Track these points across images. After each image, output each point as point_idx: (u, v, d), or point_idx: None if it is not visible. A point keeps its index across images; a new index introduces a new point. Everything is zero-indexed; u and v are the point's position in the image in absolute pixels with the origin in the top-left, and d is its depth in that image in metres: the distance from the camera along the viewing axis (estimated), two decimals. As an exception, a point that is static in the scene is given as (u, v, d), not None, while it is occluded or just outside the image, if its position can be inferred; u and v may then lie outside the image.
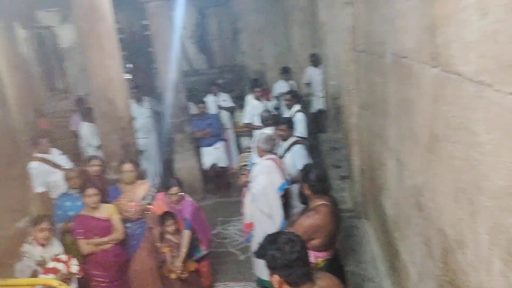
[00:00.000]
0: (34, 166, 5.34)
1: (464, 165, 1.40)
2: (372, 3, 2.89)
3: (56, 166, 5.41)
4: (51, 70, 12.67)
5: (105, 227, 4.08)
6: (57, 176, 5.09)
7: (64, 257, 3.66)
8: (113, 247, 4.14)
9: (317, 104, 8.55)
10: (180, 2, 7.97)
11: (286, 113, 6.15)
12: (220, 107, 7.71)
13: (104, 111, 4.50)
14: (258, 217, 4.20)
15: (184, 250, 4.18)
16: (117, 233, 4.15)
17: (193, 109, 7.58)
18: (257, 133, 6.90)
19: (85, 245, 4.02)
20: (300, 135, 5.58)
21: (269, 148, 4.13)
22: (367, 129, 3.67)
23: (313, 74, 8.60)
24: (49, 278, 3.35)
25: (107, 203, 4.31)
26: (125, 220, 4.38)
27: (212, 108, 7.66)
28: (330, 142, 6.57)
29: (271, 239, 1.97)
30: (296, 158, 4.46)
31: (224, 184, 7.44)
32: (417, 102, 1.94)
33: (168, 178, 4.31)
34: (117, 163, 4.54)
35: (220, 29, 14.52)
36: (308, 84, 8.79)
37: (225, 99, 7.96)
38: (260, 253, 1.97)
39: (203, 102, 7.18)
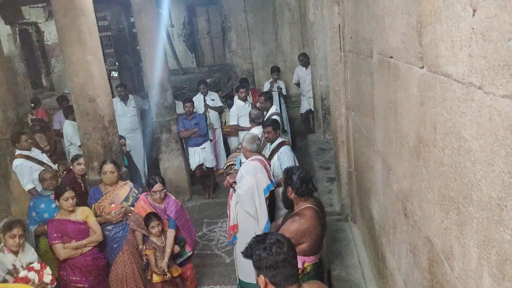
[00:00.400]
0: (19, 163, 5.29)
1: (452, 172, 1.30)
2: (359, 1, 2.80)
3: (40, 163, 5.36)
4: (36, 67, 12.43)
5: (83, 230, 3.95)
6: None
7: (37, 265, 3.49)
8: (91, 250, 4.01)
9: (306, 104, 8.49)
10: (167, -1, 7.85)
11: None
12: (208, 106, 7.59)
13: (84, 109, 4.35)
14: (243, 219, 4.13)
15: (168, 250, 4.07)
16: (96, 235, 4.01)
17: (180, 108, 7.45)
18: (243, 133, 6.85)
19: (63, 250, 3.88)
20: None
21: (254, 148, 4.07)
22: (354, 131, 3.59)
23: (302, 74, 8.54)
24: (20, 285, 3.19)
25: (86, 204, 4.18)
26: (106, 223, 4.25)
27: (200, 108, 7.54)
28: (319, 143, 6.50)
29: (259, 239, 1.99)
30: (283, 159, 4.37)
31: (211, 185, 7.32)
32: (404, 104, 1.85)
33: (151, 176, 4.19)
34: (98, 163, 4.40)
35: (210, 28, 14.42)
36: (297, 84, 8.73)
37: (213, 99, 7.84)
38: (247, 253, 1.99)
39: (190, 101, 7.06)
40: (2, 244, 3.53)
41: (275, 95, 7.73)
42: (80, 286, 3.97)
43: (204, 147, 7.07)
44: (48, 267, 3.54)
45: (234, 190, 4.08)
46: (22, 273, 3.35)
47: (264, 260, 1.90)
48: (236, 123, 6.90)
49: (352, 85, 3.52)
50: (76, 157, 5.05)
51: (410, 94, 1.71)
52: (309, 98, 8.42)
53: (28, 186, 5.18)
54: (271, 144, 4.59)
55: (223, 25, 11.42)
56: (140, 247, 4.15)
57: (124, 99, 7.40)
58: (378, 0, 2.17)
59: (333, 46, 3.81)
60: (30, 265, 3.47)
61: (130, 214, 4.32)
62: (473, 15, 1.05)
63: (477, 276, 1.19)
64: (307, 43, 8.44)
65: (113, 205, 4.25)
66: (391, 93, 2.08)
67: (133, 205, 4.33)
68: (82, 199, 4.50)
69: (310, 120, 8.84)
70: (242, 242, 4.13)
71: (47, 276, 3.46)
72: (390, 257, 2.46)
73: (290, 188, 3.05)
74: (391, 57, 2.01)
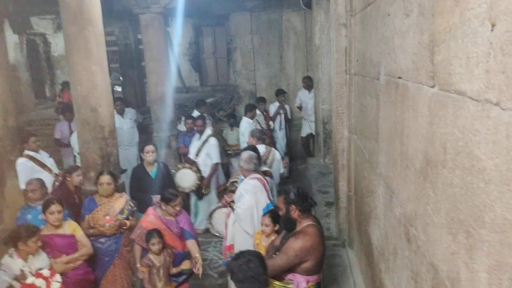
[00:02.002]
0: (21, 161, 5.39)
1: (462, 193, 1.25)
2: (368, 23, 2.81)
3: (43, 166, 5.43)
4: (41, 78, 12.48)
5: (71, 244, 3.84)
6: (43, 176, 4.95)
7: (46, 272, 3.38)
8: (82, 264, 3.90)
9: (308, 128, 8.48)
10: (174, 17, 7.93)
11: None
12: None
13: (85, 119, 4.32)
14: (240, 239, 4.04)
15: (198, 255, 4.05)
16: (86, 248, 3.91)
17: (181, 125, 7.44)
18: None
19: (55, 265, 3.77)
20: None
21: (252, 167, 4.01)
22: (356, 154, 3.55)
23: (304, 97, 8.57)
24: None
25: (80, 216, 4.10)
26: (99, 235, 4.15)
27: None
28: (318, 167, 6.45)
29: (237, 256, 2.33)
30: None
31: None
32: (411, 125, 1.81)
33: (167, 191, 4.14)
34: (95, 173, 4.33)
35: (215, 48, 14.58)
36: (299, 108, 8.74)
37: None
38: (227, 267, 2.35)
39: (191, 118, 7.04)
40: (12, 249, 3.44)
41: (279, 118, 7.75)
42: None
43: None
44: (58, 275, 3.43)
45: (232, 209, 4.00)
46: (29, 280, 3.23)
47: (235, 275, 2.24)
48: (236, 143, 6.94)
49: (356, 108, 3.50)
50: (75, 168, 5.00)
51: (419, 114, 1.67)
52: (310, 122, 8.43)
53: (23, 186, 5.15)
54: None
55: (228, 46, 11.53)
56: (138, 265, 4.04)
57: (121, 112, 7.39)
58: (388, 21, 2.17)
59: (339, 68, 3.81)
60: (39, 271, 3.36)
61: (125, 227, 4.23)
62: (492, 30, 1.03)
63: (487, 303, 1.13)
64: (311, 67, 8.49)
65: (107, 217, 4.16)
66: (397, 114, 2.05)
67: (127, 218, 4.24)
68: (76, 211, 4.42)
69: (310, 144, 8.82)
70: None
71: (56, 284, 3.34)
72: (389, 284, 2.38)
73: (293, 206, 2.97)
74: (400, 78, 1.99)
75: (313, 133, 8.36)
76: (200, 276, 3.99)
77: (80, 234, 3.96)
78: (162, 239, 3.98)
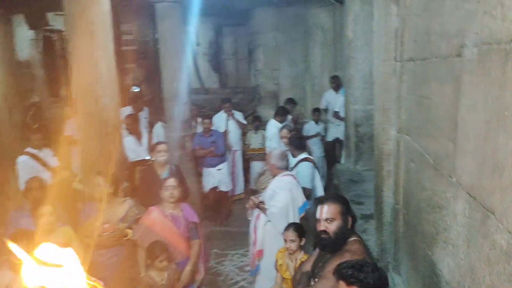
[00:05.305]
0: (21, 160, 5.01)
1: None
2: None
3: (45, 165, 5.04)
4: (57, 76, 12.14)
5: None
6: (45, 176, 4.53)
7: None
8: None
9: (334, 132, 7.81)
10: (193, 15, 7.46)
11: None
12: (232, 115, 7.02)
13: (88, 111, 3.78)
14: (272, 243, 3.62)
15: (194, 259, 3.60)
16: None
17: (199, 127, 6.89)
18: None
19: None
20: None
21: (284, 165, 3.66)
22: (409, 159, 2.87)
23: (331, 99, 7.90)
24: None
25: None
26: (98, 246, 3.58)
27: (220, 127, 6.92)
28: (348, 174, 5.75)
29: (360, 265, 1.90)
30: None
31: (224, 211, 6.61)
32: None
33: None
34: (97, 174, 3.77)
35: (236, 49, 14.04)
36: (325, 110, 8.08)
37: (238, 119, 7.27)
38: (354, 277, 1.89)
39: (209, 118, 6.48)
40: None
41: None
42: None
43: (220, 169, 6.41)
44: None
45: (263, 211, 3.60)
46: None
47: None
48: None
49: (410, 102, 2.83)
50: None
51: None
52: (337, 125, 7.75)
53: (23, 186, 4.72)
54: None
55: (250, 45, 10.95)
56: (142, 275, 3.48)
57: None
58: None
59: (386, 55, 3.15)
60: None
61: (127, 237, 3.68)
62: None
63: None
64: (340, 66, 7.84)
65: (107, 225, 3.58)
66: (507, 96, 1.39)
67: (130, 227, 3.67)
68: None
69: (336, 149, 8.14)
70: (266, 273, 3.63)
71: None
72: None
73: (350, 218, 2.40)
74: (505, 43, 1.34)
75: (340, 138, 7.69)
76: None
77: (75, 244, 3.41)
78: (170, 253, 3.42)
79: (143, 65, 11.27)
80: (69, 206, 4.04)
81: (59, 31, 12.01)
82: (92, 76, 3.73)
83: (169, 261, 3.39)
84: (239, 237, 5.91)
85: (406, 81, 2.91)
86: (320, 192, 4.59)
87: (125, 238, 3.60)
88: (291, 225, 3.32)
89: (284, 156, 3.72)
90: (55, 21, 11.83)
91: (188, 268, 3.50)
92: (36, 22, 10.73)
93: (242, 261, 5.43)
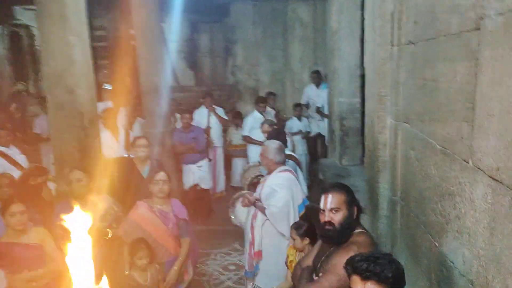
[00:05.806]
0: None
1: None
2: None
3: (15, 163, 4.78)
4: (25, 72, 11.59)
5: (38, 257, 3.00)
6: (14, 174, 4.20)
7: None
8: (49, 284, 3.04)
9: (316, 127, 7.70)
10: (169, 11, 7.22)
11: None
12: (213, 109, 6.81)
13: (59, 102, 3.49)
14: (271, 244, 3.47)
15: (182, 258, 3.40)
16: (54, 264, 3.05)
17: (178, 122, 6.64)
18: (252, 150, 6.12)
19: (13, 283, 2.93)
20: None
21: (282, 158, 3.44)
22: (409, 147, 2.74)
23: (313, 94, 7.79)
24: None
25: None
26: (74, 248, 3.30)
27: (201, 123, 6.67)
28: (334, 169, 5.62)
29: (375, 257, 1.72)
30: None
31: (205, 210, 6.37)
32: None
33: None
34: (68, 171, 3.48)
35: (212, 46, 13.78)
36: (306, 106, 7.95)
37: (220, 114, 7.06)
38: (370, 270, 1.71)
39: (189, 113, 6.23)
40: None
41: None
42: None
43: (201, 166, 6.18)
44: None
45: (262, 210, 3.41)
46: None
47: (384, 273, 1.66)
48: (247, 135, 6.23)
49: (409, 88, 2.70)
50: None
51: None
52: (319, 120, 7.64)
53: None
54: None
55: (227, 44, 10.70)
56: (127, 272, 3.26)
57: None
58: None
59: (382, 39, 3.01)
60: None
61: (106, 238, 3.41)
62: None
63: None
64: (321, 60, 7.74)
65: (83, 225, 3.30)
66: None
67: (110, 226, 3.40)
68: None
69: (318, 145, 8.04)
70: (265, 274, 3.47)
71: None
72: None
73: (356, 208, 2.29)
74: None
75: (321, 133, 7.59)
76: None
77: (49, 245, 3.13)
78: (151, 252, 3.21)
79: (116, 61, 10.88)
80: (41, 205, 3.74)
81: (26, 26, 11.45)
82: (64, 64, 3.42)
83: (151, 260, 3.20)
84: (222, 235, 5.72)
85: (405, 65, 2.78)
86: (304, 190, 4.47)
87: (105, 238, 3.33)
88: (293, 225, 3.16)
89: (281, 150, 3.50)
90: (22, 15, 11.27)
91: (175, 268, 3.29)
92: (2, 17, 10.21)
93: (226, 260, 5.24)
